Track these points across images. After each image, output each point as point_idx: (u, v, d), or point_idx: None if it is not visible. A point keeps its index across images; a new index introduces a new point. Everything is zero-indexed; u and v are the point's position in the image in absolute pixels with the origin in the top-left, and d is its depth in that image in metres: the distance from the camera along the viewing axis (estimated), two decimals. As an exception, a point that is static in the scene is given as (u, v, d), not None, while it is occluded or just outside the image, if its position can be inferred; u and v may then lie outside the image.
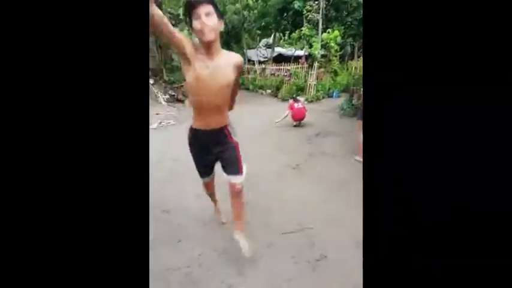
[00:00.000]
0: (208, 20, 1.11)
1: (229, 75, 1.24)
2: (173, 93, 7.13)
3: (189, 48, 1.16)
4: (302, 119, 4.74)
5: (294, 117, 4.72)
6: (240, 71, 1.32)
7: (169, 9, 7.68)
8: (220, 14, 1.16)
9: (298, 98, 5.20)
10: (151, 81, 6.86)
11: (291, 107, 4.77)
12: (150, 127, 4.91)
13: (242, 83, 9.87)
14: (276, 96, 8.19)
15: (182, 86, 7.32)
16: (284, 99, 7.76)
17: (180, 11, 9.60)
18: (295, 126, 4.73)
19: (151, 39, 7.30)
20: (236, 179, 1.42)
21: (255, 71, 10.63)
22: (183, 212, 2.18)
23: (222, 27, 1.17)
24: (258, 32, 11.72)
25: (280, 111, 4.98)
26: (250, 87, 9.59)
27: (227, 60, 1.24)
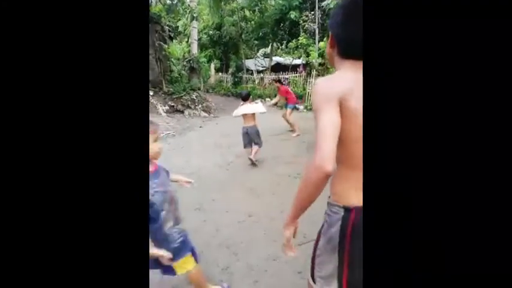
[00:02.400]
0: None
1: None
2: (172, 104, 7.15)
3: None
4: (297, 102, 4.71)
5: (290, 101, 4.61)
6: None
7: (167, 22, 7.81)
8: (331, 32, 0.75)
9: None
10: (150, 92, 6.89)
11: (286, 92, 4.64)
12: (149, 139, 4.88)
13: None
14: (276, 104, 8.22)
15: (181, 96, 7.36)
16: (283, 107, 7.78)
17: (179, 24, 9.78)
18: (290, 131, 4.72)
19: (150, 51, 7.40)
20: None
21: (254, 81, 10.73)
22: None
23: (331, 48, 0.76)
24: (256, 42, 11.92)
25: (279, 118, 4.98)
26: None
27: None
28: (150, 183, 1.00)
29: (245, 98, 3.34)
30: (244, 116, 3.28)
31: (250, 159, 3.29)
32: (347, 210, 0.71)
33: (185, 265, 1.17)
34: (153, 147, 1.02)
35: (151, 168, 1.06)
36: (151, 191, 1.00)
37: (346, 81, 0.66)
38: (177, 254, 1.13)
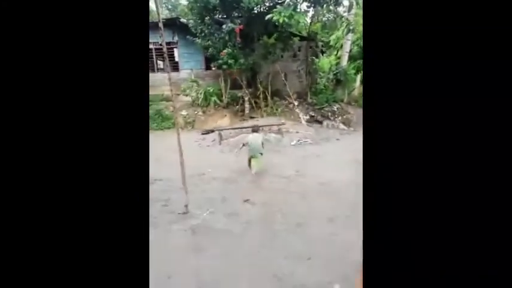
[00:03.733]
0: None
1: None
2: (313, 114, 7.51)
3: None
4: None
5: None
6: None
7: (322, 38, 8.30)
8: None
9: None
10: (296, 103, 7.61)
11: None
12: (291, 143, 5.43)
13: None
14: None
15: (323, 108, 7.56)
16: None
17: (331, 38, 10.10)
18: None
19: (302, 65, 8.17)
20: None
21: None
22: (314, 229, 2.21)
23: None
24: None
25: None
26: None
27: None
28: None
29: None
30: None
31: None
32: None
33: None
34: None
35: None
36: None
37: None
38: None
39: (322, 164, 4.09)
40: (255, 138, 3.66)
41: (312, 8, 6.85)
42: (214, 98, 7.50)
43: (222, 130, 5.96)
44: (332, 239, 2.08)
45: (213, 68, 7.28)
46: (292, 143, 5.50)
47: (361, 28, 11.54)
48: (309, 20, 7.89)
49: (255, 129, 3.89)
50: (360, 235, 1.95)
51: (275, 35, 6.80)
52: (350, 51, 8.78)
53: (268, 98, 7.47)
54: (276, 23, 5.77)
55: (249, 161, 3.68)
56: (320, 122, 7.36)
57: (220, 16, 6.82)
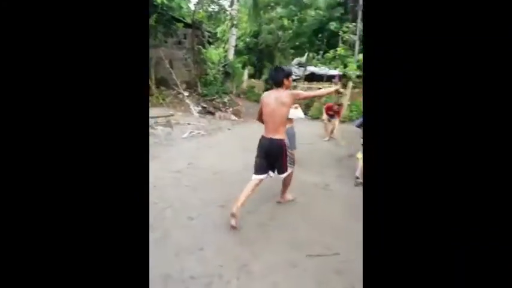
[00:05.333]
0: None
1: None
2: (205, 106, 7.44)
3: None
4: None
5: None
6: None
7: (208, 28, 8.24)
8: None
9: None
10: (186, 93, 7.26)
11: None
12: (182, 136, 5.12)
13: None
14: (306, 114, 8.10)
15: (214, 99, 7.64)
16: (313, 118, 7.65)
17: (218, 30, 10.28)
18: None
19: (188, 54, 7.85)
20: (283, 175, 2.24)
21: (286, 89, 10.78)
22: (206, 219, 2.16)
23: None
24: (292, 51, 11.97)
25: (309, 128, 4.89)
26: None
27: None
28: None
29: None
30: None
31: None
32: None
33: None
34: None
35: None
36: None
37: (265, 94, 2.21)
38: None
39: (215, 155, 4.11)
40: None
41: (195, -5, 6.62)
42: (78, 85, 5.89)
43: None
44: (224, 224, 2.11)
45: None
46: (184, 136, 5.21)
47: (244, 25, 12.42)
48: (192, 7, 7.59)
49: None
50: (249, 218, 2.07)
51: (154, 16, 6.09)
52: (236, 46, 9.26)
53: (153, 86, 6.70)
54: (155, 3, 5.15)
55: None
56: (213, 114, 7.40)
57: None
